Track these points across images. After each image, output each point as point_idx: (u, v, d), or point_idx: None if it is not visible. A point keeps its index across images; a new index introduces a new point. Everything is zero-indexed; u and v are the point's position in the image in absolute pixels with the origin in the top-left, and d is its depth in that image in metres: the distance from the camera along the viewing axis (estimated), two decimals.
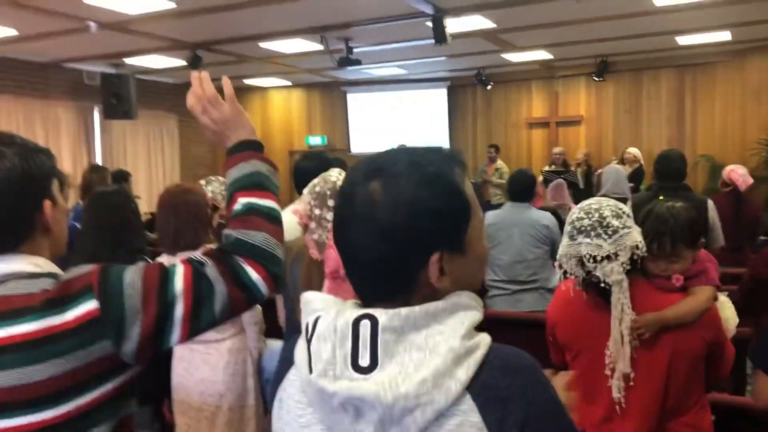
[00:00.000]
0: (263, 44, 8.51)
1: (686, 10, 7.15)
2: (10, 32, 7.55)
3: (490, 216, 4.44)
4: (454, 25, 7.23)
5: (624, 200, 4.58)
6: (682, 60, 10.17)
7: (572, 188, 9.05)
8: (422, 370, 0.85)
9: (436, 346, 0.87)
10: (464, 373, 0.86)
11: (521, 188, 4.38)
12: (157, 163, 11.75)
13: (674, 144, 10.36)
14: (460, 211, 0.96)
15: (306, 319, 0.96)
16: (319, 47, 8.26)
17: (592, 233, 1.93)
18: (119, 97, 9.77)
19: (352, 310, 0.92)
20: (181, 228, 2.65)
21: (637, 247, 1.94)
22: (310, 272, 2.19)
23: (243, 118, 1.39)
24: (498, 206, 9.90)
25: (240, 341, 2.69)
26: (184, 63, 9.11)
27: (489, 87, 11.40)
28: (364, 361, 0.87)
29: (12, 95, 9.28)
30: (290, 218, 2.61)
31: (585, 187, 9.36)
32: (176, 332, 1.20)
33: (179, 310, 1.19)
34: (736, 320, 2.34)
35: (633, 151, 8.64)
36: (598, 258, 1.92)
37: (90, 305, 1.15)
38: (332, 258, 1.93)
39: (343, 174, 2.31)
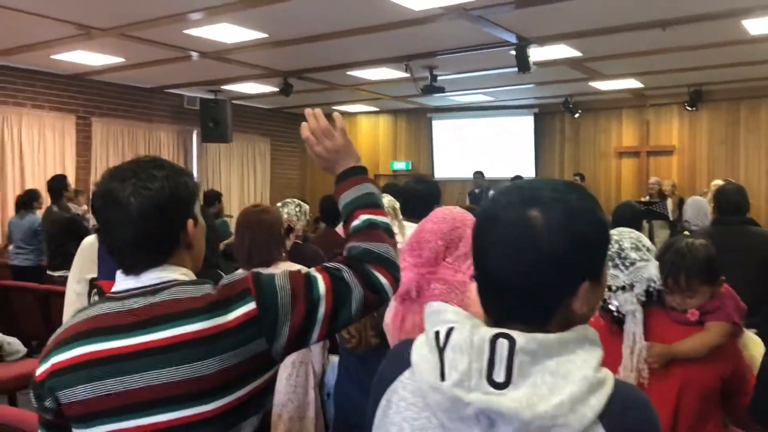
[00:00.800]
0: (350, 72, 8.80)
1: None
2: (119, 60, 8.17)
3: None
4: (538, 53, 7.25)
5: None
6: None
7: (661, 219, 8.80)
8: (557, 393, 0.91)
9: (569, 374, 0.92)
10: (597, 402, 0.91)
11: (626, 222, 4.26)
12: (249, 184, 12.26)
13: None
14: (605, 242, 1.03)
15: (436, 327, 1.00)
16: (405, 75, 8.46)
17: (610, 264, 1.97)
18: (216, 121, 10.33)
19: (486, 328, 0.98)
20: (255, 245, 2.80)
21: (653, 280, 1.97)
22: None
23: (351, 148, 1.56)
24: None
25: (304, 355, 2.80)
26: (276, 89, 9.53)
27: (577, 115, 11.26)
28: (499, 377, 0.92)
29: (120, 118, 10.00)
30: None
31: (675, 219, 9.06)
32: (317, 330, 1.33)
33: (322, 310, 1.32)
34: None
35: (719, 183, 8.29)
36: (614, 288, 1.97)
37: (250, 306, 1.28)
38: (404, 281, 1.99)
39: (387, 197, 2.41)
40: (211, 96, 10.58)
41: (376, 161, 13.18)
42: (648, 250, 2.02)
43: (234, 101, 10.87)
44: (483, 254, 1.02)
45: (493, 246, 0.99)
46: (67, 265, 6.11)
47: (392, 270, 1.42)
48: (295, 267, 2.76)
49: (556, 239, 0.95)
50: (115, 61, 8.22)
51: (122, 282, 1.36)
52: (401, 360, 1.05)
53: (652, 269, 1.99)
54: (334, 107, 12.41)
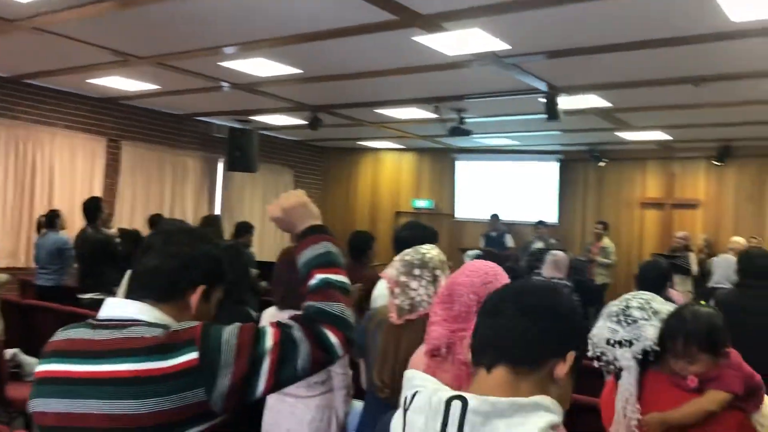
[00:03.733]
0: (379, 110, 8.88)
1: None
2: (153, 87, 8.32)
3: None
4: (567, 102, 7.27)
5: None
6: None
7: (683, 274, 8.68)
8: None
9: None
10: None
11: (650, 279, 4.23)
12: None
13: None
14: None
15: (405, 393, 1.11)
16: (433, 115, 8.52)
17: (614, 319, 2.09)
18: (243, 150, 10.43)
19: (446, 391, 1.06)
20: (292, 287, 2.76)
21: (649, 340, 2.04)
22: (389, 339, 2.29)
23: (308, 207, 1.64)
24: (603, 286, 9.66)
25: (327, 400, 2.78)
26: (304, 122, 9.64)
27: (602, 164, 11.23)
28: None
29: (148, 143, 10.15)
30: (383, 285, 2.72)
31: (700, 275, 8.94)
32: (261, 384, 1.38)
33: (266, 364, 1.37)
34: None
35: (739, 240, 8.16)
36: (611, 341, 2.06)
37: (192, 355, 1.34)
38: (433, 336, 1.96)
39: (436, 249, 2.40)
40: (239, 125, 10.72)
41: (398, 198, 13.20)
42: (654, 312, 2.10)
43: (261, 131, 10.98)
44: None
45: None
46: (99, 288, 6.08)
47: (344, 329, 1.48)
48: None
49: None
50: (149, 88, 8.37)
51: (105, 310, 1.47)
52: (371, 418, 1.19)
53: (650, 330, 2.06)
54: (360, 142, 12.53)
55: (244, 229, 6.84)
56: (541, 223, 10.63)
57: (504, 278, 1.98)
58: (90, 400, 1.33)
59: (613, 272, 10.10)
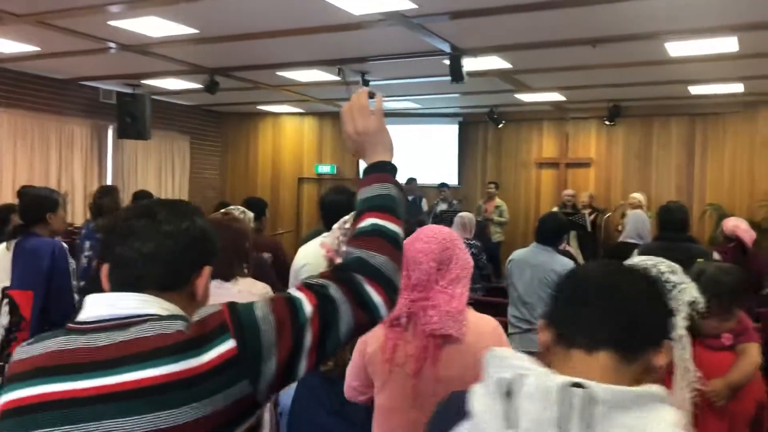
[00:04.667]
0: (280, 72, 8.61)
1: (700, 61, 7.24)
2: (32, 49, 7.66)
3: (514, 253, 4.57)
4: (470, 63, 7.32)
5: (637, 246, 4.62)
6: (693, 109, 10.25)
7: (580, 231, 9.09)
8: None
9: (645, 430, 0.89)
10: None
11: (547, 232, 4.36)
12: (167, 183, 11.81)
13: (683, 191, 10.41)
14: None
15: (501, 372, 0.96)
16: (335, 78, 8.35)
17: None
18: (134, 116, 9.88)
19: (557, 375, 0.94)
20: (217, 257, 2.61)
21: (694, 303, 1.91)
22: None
23: (384, 135, 1.44)
24: (498, 244, 9.98)
25: None
26: (200, 86, 9.21)
27: (500, 125, 11.49)
28: (573, 428, 0.89)
29: (29, 110, 9.38)
30: (317, 250, 2.62)
31: (591, 231, 9.39)
32: (304, 362, 1.17)
33: (309, 337, 1.17)
34: None
35: (637, 196, 8.62)
36: None
37: (228, 345, 1.12)
38: None
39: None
40: (129, 90, 10.11)
41: (301, 164, 12.98)
42: (682, 273, 1.96)
43: (154, 96, 10.42)
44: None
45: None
46: None
47: (386, 286, 1.25)
48: (259, 285, 2.63)
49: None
50: (29, 50, 7.70)
51: (92, 308, 1.18)
52: (457, 412, 0.99)
53: (694, 291, 1.91)
54: (259, 106, 12.16)
55: (143, 198, 6.46)
56: (444, 185, 10.77)
57: (460, 243, 1.92)
58: (106, 421, 1.06)
59: (506, 230, 10.46)
